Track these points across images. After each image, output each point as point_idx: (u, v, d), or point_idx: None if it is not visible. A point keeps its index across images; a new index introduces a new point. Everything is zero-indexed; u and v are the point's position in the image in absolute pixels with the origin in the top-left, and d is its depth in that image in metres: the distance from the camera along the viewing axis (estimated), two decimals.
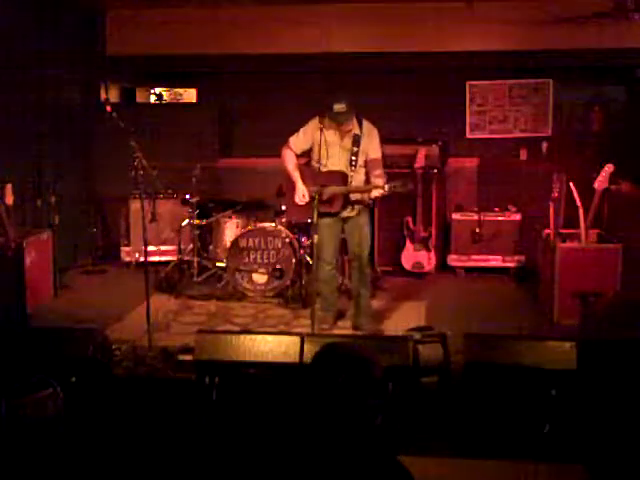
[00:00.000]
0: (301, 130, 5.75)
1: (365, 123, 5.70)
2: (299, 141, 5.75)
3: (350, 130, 5.63)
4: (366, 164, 5.71)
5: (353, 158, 5.64)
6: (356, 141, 5.63)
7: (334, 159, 5.67)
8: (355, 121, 5.65)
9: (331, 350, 2.35)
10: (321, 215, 5.60)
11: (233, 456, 3.59)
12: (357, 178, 5.70)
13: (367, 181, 5.73)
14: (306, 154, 5.87)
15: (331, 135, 5.63)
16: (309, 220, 5.73)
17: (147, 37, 8.37)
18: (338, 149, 5.66)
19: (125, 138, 5.48)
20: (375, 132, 5.73)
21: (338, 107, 5.46)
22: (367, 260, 5.90)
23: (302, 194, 5.67)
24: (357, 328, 5.94)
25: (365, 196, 5.72)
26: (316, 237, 5.40)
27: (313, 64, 8.43)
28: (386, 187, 5.48)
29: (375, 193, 5.55)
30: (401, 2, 8.05)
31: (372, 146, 5.69)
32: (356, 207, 5.78)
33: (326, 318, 5.92)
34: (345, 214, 5.76)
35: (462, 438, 3.94)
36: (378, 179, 5.60)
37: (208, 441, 3.94)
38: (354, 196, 5.74)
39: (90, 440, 3.31)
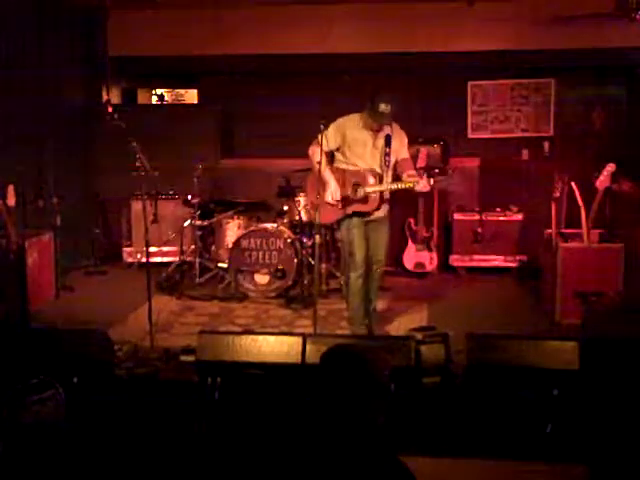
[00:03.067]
0: (331, 127, 5.48)
1: (394, 125, 5.58)
2: (328, 139, 5.45)
3: (382, 130, 5.51)
4: (396, 165, 5.59)
5: (386, 158, 5.51)
6: (388, 141, 5.51)
7: (366, 159, 5.52)
8: None
9: (338, 352, 2.35)
10: (351, 215, 5.53)
11: (236, 457, 3.59)
12: (387, 179, 5.56)
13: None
14: (330, 154, 5.64)
15: (364, 134, 5.50)
16: (335, 220, 5.63)
17: (148, 38, 8.39)
18: (371, 149, 5.51)
19: (127, 139, 5.49)
20: (404, 134, 5.66)
21: (385, 108, 5.32)
22: (383, 264, 5.82)
23: (334, 192, 5.45)
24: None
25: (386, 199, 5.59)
26: (317, 237, 5.36)
27: (314, 65, 8.44)
28: (431, 180, 5.38)
29: (419, 188, 5.38)
30: (402, 2, 8.06)
31: (402, 147, 5.62)
32: (385, 209, 5.65)
33: (357, 331, 5.68)
34: (375, 215, 5.59)
35: (464, 438, 3.94)
36: (415, 178, 5.47)
37: (210, 442, 3.94)
38: (386, 195, 5.60)
39: (92, 441, 3.31)
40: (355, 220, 5.55)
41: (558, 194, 6.43)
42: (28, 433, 2.51)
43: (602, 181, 6.00)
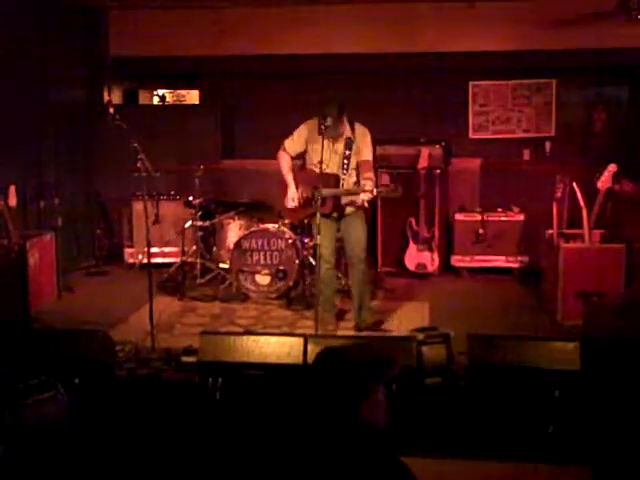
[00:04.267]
0: (295, 133, 5.87)
1: (357, 126, 5.76)
2: (293, 144, 5.86)
3: (342, 134, 5.69)
4: (357, 166, 5.76)
5: (345, 162, 5.71)
6: (348, 145, 5.71)
7: (326, 162, 5.65)
8: (347, 125, 5.71)
9: (322, 353, 2.38)
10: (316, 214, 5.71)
11: (237, 457, 3.59)
12: (348, 181, 5.75)
13: (358, 183, 5.77)
14: (301, 156, 5.96)
15: (320, 139, 5.59)
16: (305, 220, 5.92)
17: (150, 39, 8.39)
18: (330, 153, 5.66)
19: (128, 140, 5.49)
20: (368, 135, 5.79)
21: (329, 122, 5.46)
22: (363, 258, 5.95)
23: (292, 197, 5.81)
24: (359, 324, 5.96)
25: (356, 198, 5.72)
26: (319, 238, 5.42)
27: (315, 65, 8.43)
28: (375, 191, 5.55)
29: (363, 197, 5.54)
30: (403, 3, 8.05)
31: (365, 148, 5.76)
32: (348, 208, 5.80)
33: (330, 319, 5.93)
34: (336, 215, 5.81)
35: (466, 439, 3.93)
36: (367, 181, 5.63)
37: (211, 442, 3.93)
38: (345, 199, 5.76)
39: (93, 442, 3.31)
40: (322, 219, 5.68)
41: (560, 194, 6.43)
42: (29, 434, 2.51)
43: (604, 181, 6.00)
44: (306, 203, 5.84)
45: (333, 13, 8.17)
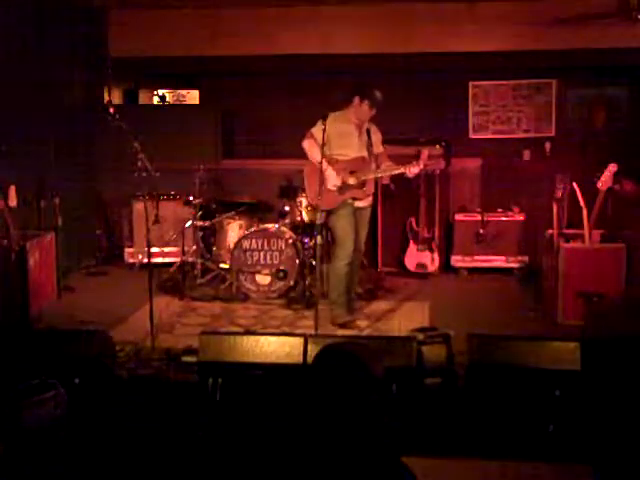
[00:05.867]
0: (319, 122, 5.78)
1: (369, 122, 6.01)
2: (319, 131, 5.72)
3: (363, 124, 5.94)
4: (376, 156, 6.01)
5: (370, 149, 5.95)
6: (368, 135, 5.96)
7: (354, 149, 5.90)
8: None
9: (331, 351, 2.38)
10: (347, 202, 5.87)
11: (237, 457, 3.59)
12: (372, 167, 5.98)
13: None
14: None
15: (350, 127, 5.90)
16: (333, 207, 5.88)
17: (150, 39, 8.38)
18: (357, 141, 5.91)
19: (128, 140, 5.48)
20: (378, 131, 6.08)
21: (373, 105, 5.77)
22: (363, 249, 6.24)
23: (335, 178, 5.80)
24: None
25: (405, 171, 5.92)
26: (319, 238, 5.47)
27: (315, 65, 8.44)
28: (422, 164, 5.77)
29: (414, 170, 5.75)
30: (403, 3, 8.05)
31: (379, 141, 6.06)
32: (366, 202, 6.02)
33: (343, 314, 6.02)
34: (363, 203, 5.97)
35: (466, 439, 3.93)
36: (393, 164, 5.96)
37: (212, 442, 3.93)
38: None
39: (93, 441, 3.31)
40: (348, 209, 5.89)
41: (560, 194, 6.42)
42: (29, 434, 2.52)
43: (604, 181, 6.00)
44: (342, 189, 5.87)
45: (333, 13, 8.17)
